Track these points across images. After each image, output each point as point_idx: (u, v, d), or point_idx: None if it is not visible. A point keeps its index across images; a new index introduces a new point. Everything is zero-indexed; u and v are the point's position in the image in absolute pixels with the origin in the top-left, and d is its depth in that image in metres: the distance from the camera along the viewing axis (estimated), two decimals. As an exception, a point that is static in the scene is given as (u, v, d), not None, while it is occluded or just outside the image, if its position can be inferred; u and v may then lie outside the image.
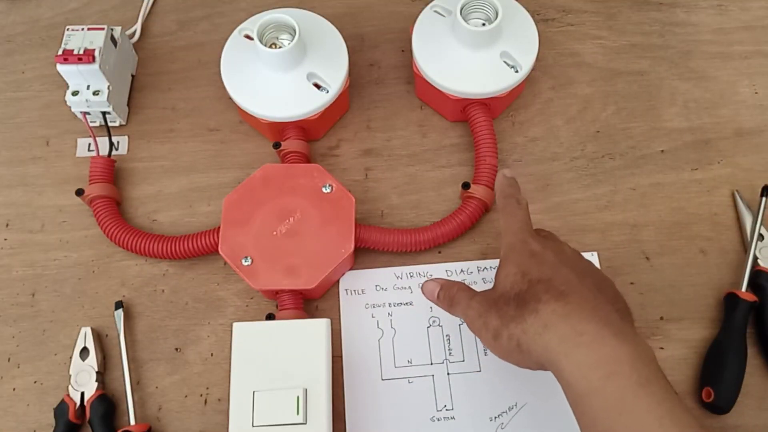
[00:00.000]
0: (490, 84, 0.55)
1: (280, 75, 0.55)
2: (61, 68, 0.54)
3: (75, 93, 0.56)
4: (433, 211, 0.57)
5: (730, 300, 0.52)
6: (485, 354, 0.51)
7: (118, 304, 0.53)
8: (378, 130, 0.60)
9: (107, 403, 0.50)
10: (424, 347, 0.52)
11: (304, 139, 0.56)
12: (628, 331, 0.38)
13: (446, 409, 0.50)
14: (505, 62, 0.55)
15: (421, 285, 0.48)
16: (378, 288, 0.54)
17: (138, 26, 0.64)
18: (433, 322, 0.53)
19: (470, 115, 0.56)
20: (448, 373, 0.51)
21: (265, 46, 0.53)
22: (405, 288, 0.54)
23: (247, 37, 0.57)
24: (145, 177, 0.59)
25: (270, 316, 0.52)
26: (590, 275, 0.44)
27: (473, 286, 0.46)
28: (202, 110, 0.61)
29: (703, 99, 0.61)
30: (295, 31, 0.53)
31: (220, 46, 0.57)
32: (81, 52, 0.54)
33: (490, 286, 0.53)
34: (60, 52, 0.54)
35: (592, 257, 0.54)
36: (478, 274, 0.54)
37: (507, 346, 0.40)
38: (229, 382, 0.47)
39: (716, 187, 0.57)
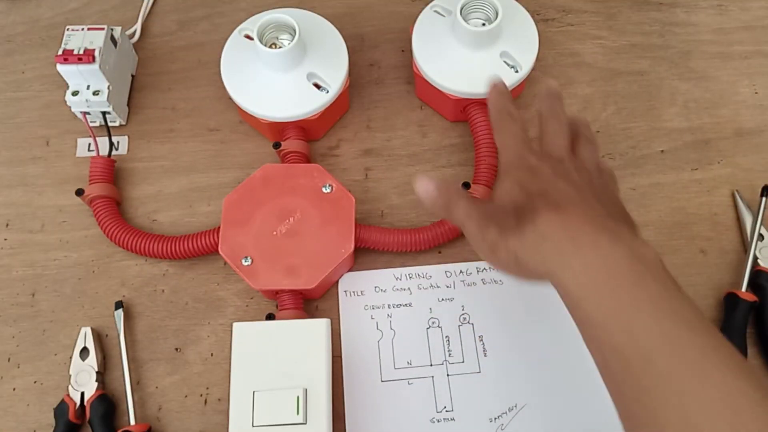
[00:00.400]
0: (490, 84, 0.55)
1: (280, 75, 0.55)
2: (61, 68, 0.54)
3: (75, 93, 0.56)
4: (433, 211, 0.56)
5: (730, 300, 0.52)
6: (485, 355, 0.51)
7: (118, 304, 0.53)
8: (378, 130, 0.60)
9: (107, 403, 0.50)
10: (423, 348, 0.52)
11: (304, 139, 0.56)
12: (625, 235, 0.37)
13: (446, 411, 0.50)
14: (505, 62, 0.55)
15: (415, 183, 0.43)
16: (377, 289, 0.54)
17: (138, 26, 0.64)
18: (433, 323, 0.53)
19: (470, 115, 0.56)
20: (447, 375, 0.51)
21: (265, 46, 0.53)
22: (404, 289, 0.54)
23: (247, 37, 0.57)
24: (145, 177, 0.59)
25: (270, 316, 0.52)
26: (589, 187, 0.41)
27: (473, 287, 0.46)
28: (202, 110, 0.61)
29: (703, 99, 0.61)
30: (295, 31, 0.53)
31: (220, 46, 0.57)
32: (81, 52, 0.54)
33: (490, 286, 0.54)
34: (60, 52, 0.54)
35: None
36: (477, 274, 0.54)
37: (505, 260, 0.40)
38: (229, 382, 0.47)
39: (716, 187, 0.57)
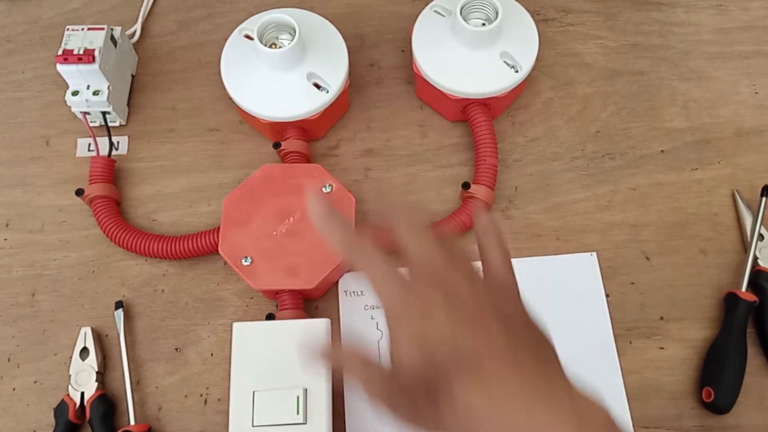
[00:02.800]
0: (490, 84, 0.55)
1: (280, 75, 0.55)
2: (61, 68, 0.54)
3: (75, 93, 0.56)
4: (433, 211, 0.57)
5: (730, 300, 0.52)
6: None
7: (118, 304, 0.53)
8: (378, 130, 0.60)
9: (107, 403, 0.50)
10: (424, 347, 0.52)
11: (304, 139, 0.56)
12: (562, 393, 0.31)
13: (446, 410, 0.50)
14: (505, 62, 0.55)
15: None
16: (378, 288, 0.54)
17: (138, 26, 0.64)
18: (433, 322, 0.53)
19: (470, 115, 0.56)
20: (448, 374, 0.51)
21: (265, 46, 0.53)
22: (405, 288, 0.54)
23: (247, 37, 0.57)
24: (145, 177, 0.59)
25: (270, 316, 0.52)
26: (491, 311, 0.33)
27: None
28: (202, 110, 0.61)
29: (703, 99, 0.61)
30: (295, 31, 0.53)
31: (220, 46, 0.57)
32: (81, 52, 0.54)
33: (489, 286, 0.53)
34: (60, 52, 0.54)
35: (592, 257, 0.54)
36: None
37: None
38: (229, 382, 0.47)
39: (716, 187, 0.57)
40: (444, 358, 0.31)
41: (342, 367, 0.35)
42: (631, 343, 0.52)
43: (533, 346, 0.33)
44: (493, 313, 0.33)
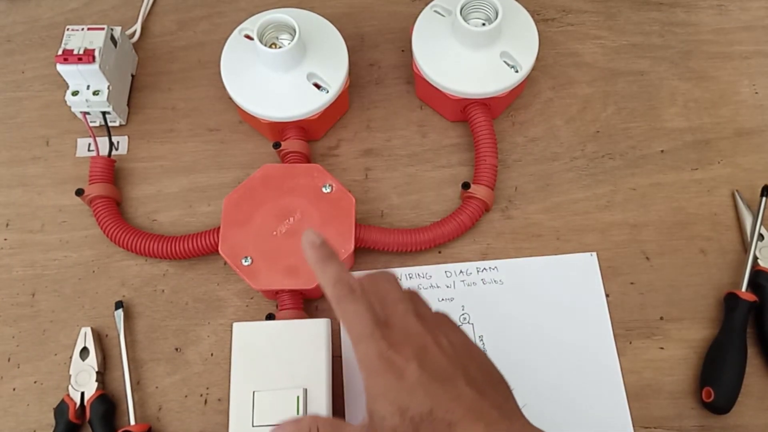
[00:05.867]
0: (490, 84, 0.55)
1: (280, 75, 0.55)
2: (61, 68, 0.54)
3: (75, 93, 0.56)
4: (433, 211, 0.57)
5: (730, 300, 0.52)
6: (485, 354, 0.51)
7: (118, 304, 0.53)
8: (378, 130, 0.60)
9: (107, 403, 0.50)
10: (424, 347, 0.52)
11: (304, 139, 0.56)
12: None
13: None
14: (505, 62, 0.55)
15: None
16: (378, 288, 0.54)
17: (138, 26, 0.64)
18: (433, 322, 0.53)
19: (470, 115, 0.56)
20: (448, 374, 0.51)
21: (265, 46, 0.53)
22: (405, 288, 0.54)
23: (247, 37, 0.57)
24: (145, 177, 0.59)
25: (270, 316, 0.52)
26: (459, 363, 0.36)
27: (473, 287, 0.45)
28: (202, 110, 0.61)
29: (703, 99, 0.61)
30: (295, 31, 0.53)
31: (220, 46, 0.57)
32: (81, 52, 0.54)
33: (490, 286, 0.54)
34: (60, 52, 0.54)
35: (592, 257, 0.54)
36: (477, 274, 0.54)
37: None
38: (229, 382, 0.47)
39: (716, 187, 0.57)
40: (423, 426, 0.34)
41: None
42: (631, 343, 0.52)
43: (496, 393, 0.36)
44: (464, 377, 0.35)
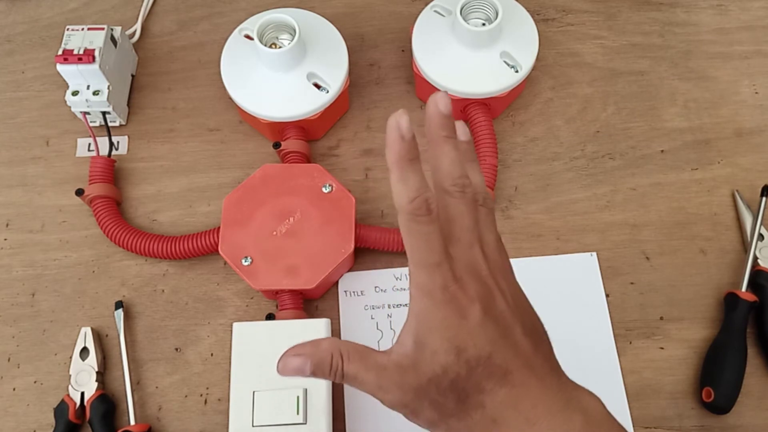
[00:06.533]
0: (490, 84, 0.55)
1: (280, 75, 0.55)
2: (61, 68, 0.54)
3: (75, 93, 0.56)
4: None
5: (730, 300, 0.52)
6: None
7: (118, 304, 0.53)
8: (378, 130, 0.60)
9: (107, 403, 0.50)
10: (424, 347, 0.52)
11: (304, 139, 0.56)
12: (570, 389, 0.35)
13: (446, 409, 0.50)
14: (505, 62, 0.55)
15: (278, 363, 0.38)
16: (377, 289, 0.54)
17: (138, 26, 0.64)
18: (433, 322, 0.53)
19: (470, 115, 0.56)
20: (448, 373, 0.51)
21: (265, 46, 0.53)
22: (404, 289, 0.54)
23: (247, 37, 0.57)
24: (145, 177, 0.59)
25: (270, 316, 0.52)
26: (518, 312, 0.35)
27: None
28: (202, 110, 0.61)
29: (703, 99, 0.61)
30: (295, 31, 0.53)
31: (220, 46, 0.57)
32: (81, 52, 0.54)
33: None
34: (60, 52, 0.54)
35: (592, 257, 0.54)
36: (478, 274, 0.54)
37: None
38: (229, 382, 0.47)
39: (716, 187, 0.57)
40: (479, 370, 0.32)
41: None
42: (631, 343, 0.52)
43: (546, 347, 0.36)
44: (521, 328, 0.34)
